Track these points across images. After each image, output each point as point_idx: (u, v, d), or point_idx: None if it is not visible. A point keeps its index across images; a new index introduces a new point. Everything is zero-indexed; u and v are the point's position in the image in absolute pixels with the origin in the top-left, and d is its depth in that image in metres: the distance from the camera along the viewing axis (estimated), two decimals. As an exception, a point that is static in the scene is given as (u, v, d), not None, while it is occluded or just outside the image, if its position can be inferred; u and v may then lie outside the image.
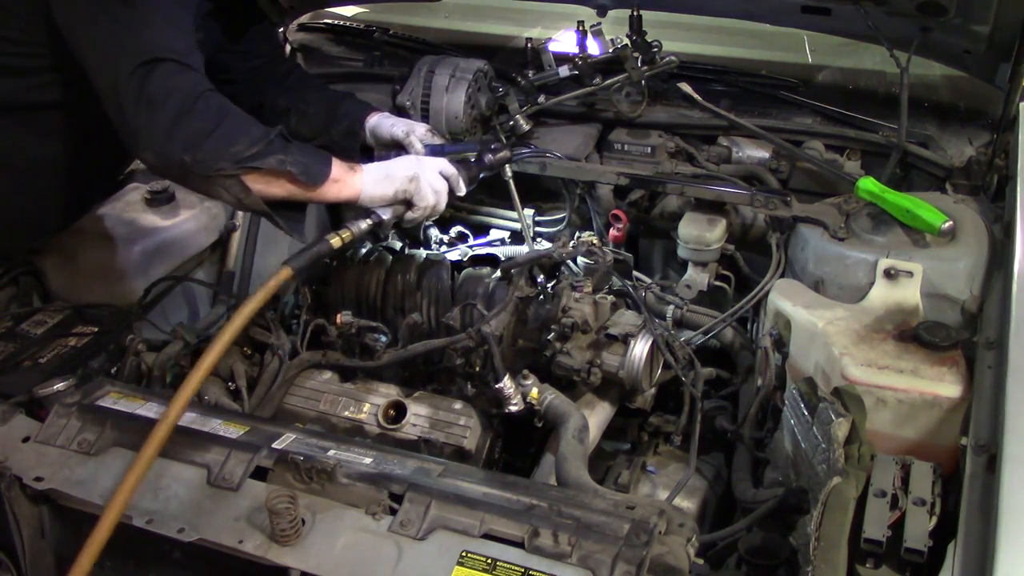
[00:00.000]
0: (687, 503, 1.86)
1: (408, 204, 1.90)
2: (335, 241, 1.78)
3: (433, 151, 2.12)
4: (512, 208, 2.38)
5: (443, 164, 1.97)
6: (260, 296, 1.61)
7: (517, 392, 1.77)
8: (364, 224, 1.84)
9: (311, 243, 1.76)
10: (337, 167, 1.79)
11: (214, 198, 1.73)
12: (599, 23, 2.30)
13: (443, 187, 1.94)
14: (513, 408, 1.77)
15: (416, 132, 2.14)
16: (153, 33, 1.61)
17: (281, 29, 2.71)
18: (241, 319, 1.56)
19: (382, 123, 2.19)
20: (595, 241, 2.13)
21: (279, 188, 1.71)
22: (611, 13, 2.38)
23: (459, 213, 2.51)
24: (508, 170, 2.20)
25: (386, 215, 1.87)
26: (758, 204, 2.05)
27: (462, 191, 2.02)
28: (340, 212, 2.49)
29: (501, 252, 2.43)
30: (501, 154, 2.12)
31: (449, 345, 1.86)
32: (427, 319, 2.15)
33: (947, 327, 1.66)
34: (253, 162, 1.64)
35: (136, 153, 1.62)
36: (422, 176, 1.89)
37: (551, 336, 1.86)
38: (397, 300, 2.20)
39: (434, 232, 2.51)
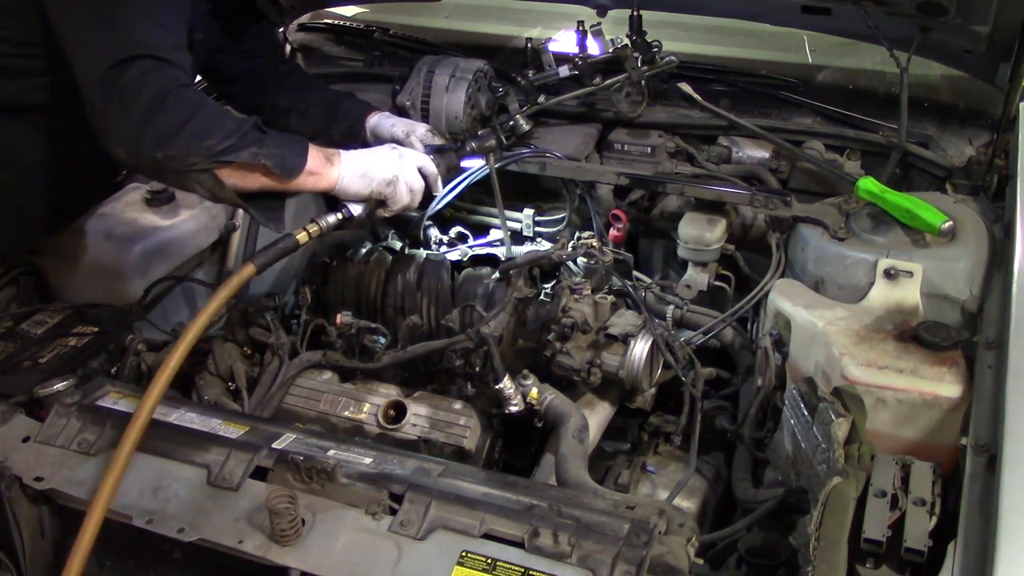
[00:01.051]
0: (687, 503, 1.86)
1: (381, 203, 1.90)
2: (301, 236, 1.76)
3: (433, 151, 2.12)
4: (513, 208, 2.38)
5: (425, 161, 1.96)
6: (224, 293, 1.61)
7: (517, 392, 1.77)
8: (332, 218, 1.83)
9: (277, 239, 1.75)
10: (314, 159, 1.77)
11: (189, 191, 1.72)
12: (599, 23, 2.30)
13: (420, 187, 1.94)
14: (513, 408, 1.77)
15: (416, 132, 2.14)
16: (133, 30, 1.60)
17: (281, 29, 2.71)
18: (206, 316, 1.57)
19: (382, 123, 2.19)
20: (594, 243, 2.13)
21: (253, 181, 1.70)
22: (611, 13, 2.38)
23: (459, 213, 2.51)
24: (491, 159, 2.19)
25: (357, 211, 1.86)
26: (758, 204, 2.05)
27: (439, 191, 2.03)
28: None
29: (501, 252, 2.43)
30: (487, 143, 2.13)
31: (448, 346, 1.86)
32: (427, 319, 2.15)
33: (947, 327, 1.66)
34: (226, 156, 1.63)
35: (108, 150, 1.60)
36: (401, 178, 1.88)
37: (551, 336, 1.86)
38: (397, 300, 2.20)
39: (434, 232, 2.51)
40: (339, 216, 1.84)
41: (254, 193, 1.73)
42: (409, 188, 1.91)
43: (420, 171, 1.94)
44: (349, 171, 1.82)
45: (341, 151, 1.85)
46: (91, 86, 1.58)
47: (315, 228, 1.79)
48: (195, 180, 1.65)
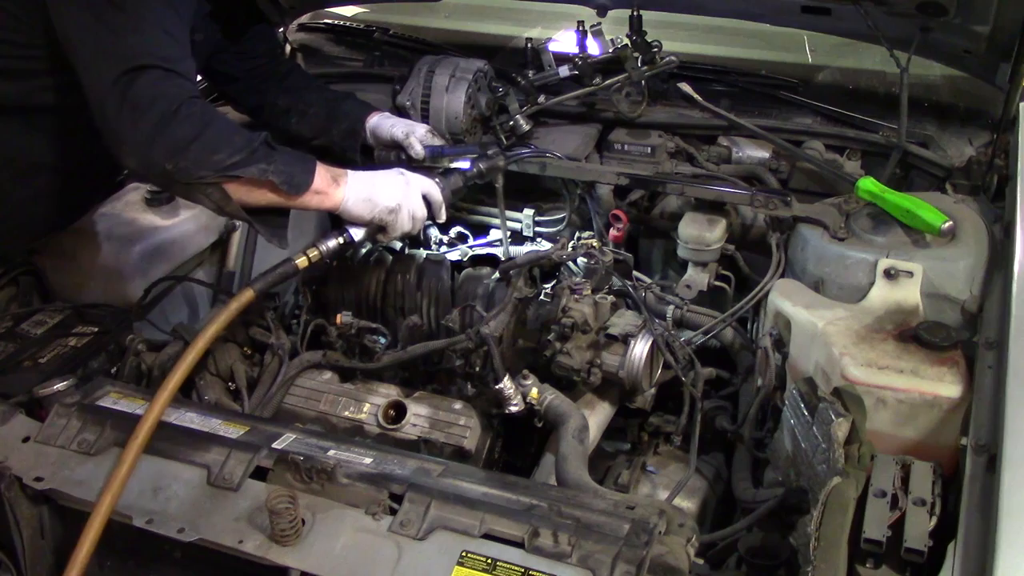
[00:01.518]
0: (687, 503, 1.86)
1: (382, 228, 1.90)
2: (301, 261, 1.78)
3: (433, 152, 2.12)
4: (513, 208, 2.38)
5: (431, 188, 1.95)
6: (222, 319, 1.62)
7: (517, 392, 1.77)
8: (333, 243, 1.85)
9: (277, 264, 1.77)
10: (320, 178, 1.78)
11: (195, 203, 1.74)
12: (599, 23, 2.30)
13: (423, 215, 1.94)
14: (513, 408, 1.76)
15: (416, 133, 2.14)
16: (142, 39, 1.61)
17: (281, 29, 2.71)
18: (204, 342, 1.58)
19: (382, 123, 2.19)
20: (594, 243, 2.13)
21: (260, 196, 1.72)
22: (611, 13, 2.38)
23: (459, 213, 2.50)
24: (500, 179, 2.19)
25: (358, 235, 1.87)
26: (758, 204, 2.05)
27: (442, 219, 2.02)
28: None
29: (501, 252, 2.42)
30: (496, 163, 2.12)
31: (448, 346, 1.86)
32: (427, 319, 2.15)
33: (947, 327, 1.66)
34: (234, 171, 1.64)
35: (119, 159, 1.62)
36: (404, 206, 1.88)
37: (551, 336, 1.86)
38: (397, 300, 2.20)
39: (434, 232, 2.51)
40: (340, 241, 1.85)
41: (259, 208, 1.74)
42: (412, 216, 1.91)
43: (425, 198, 1.94)
44: (354, 193, 1.83)
45: (349, 172, 1.85)
46: (101, 93, 1.59)
47: (315, 253, 1.81)
48: (202, 193, 1.66)
